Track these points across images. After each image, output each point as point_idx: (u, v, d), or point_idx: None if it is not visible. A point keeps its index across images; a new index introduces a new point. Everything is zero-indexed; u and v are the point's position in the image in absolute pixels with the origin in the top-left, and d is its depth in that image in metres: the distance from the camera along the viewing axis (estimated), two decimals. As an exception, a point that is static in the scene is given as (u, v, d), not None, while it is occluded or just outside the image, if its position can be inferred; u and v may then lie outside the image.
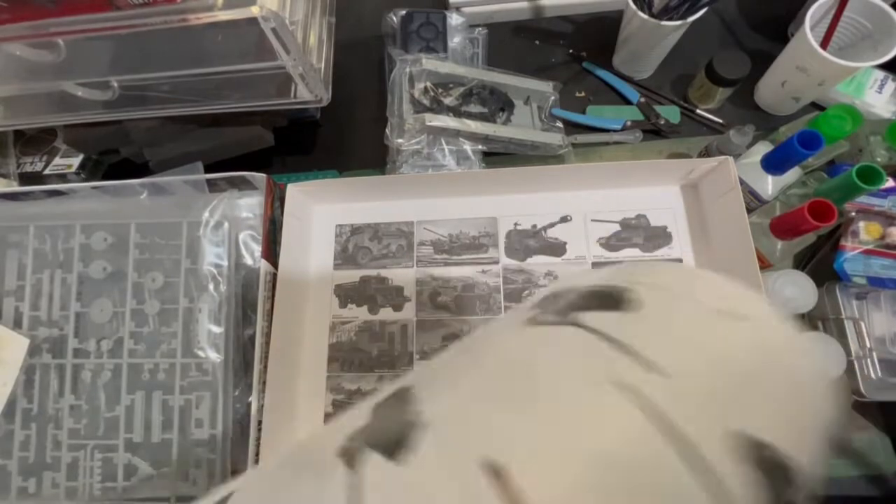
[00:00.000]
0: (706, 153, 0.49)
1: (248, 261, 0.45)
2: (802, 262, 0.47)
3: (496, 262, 0.47)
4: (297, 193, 0.46)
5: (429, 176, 0.49)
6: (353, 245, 0.49)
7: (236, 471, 0.39)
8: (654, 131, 0.54)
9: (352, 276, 0.48)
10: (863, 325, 0.41)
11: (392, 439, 0.15)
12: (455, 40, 0.55)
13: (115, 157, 0.54)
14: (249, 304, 0.43)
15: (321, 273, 0.48)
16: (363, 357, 0.45)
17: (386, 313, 0.47)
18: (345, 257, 0.49)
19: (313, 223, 0.50)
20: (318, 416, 0.44)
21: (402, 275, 0.48)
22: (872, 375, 0.40)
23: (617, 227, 0.46)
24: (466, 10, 0.57)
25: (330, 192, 0.49)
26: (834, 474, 0.42)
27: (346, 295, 0.48)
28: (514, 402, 0.15)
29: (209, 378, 0.40)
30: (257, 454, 0.39)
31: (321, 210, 0.50)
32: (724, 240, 0.42)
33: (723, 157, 0.41)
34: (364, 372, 0.45)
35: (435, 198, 0.49)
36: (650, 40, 0.50)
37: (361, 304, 0.47)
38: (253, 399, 0.40)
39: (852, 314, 0.42)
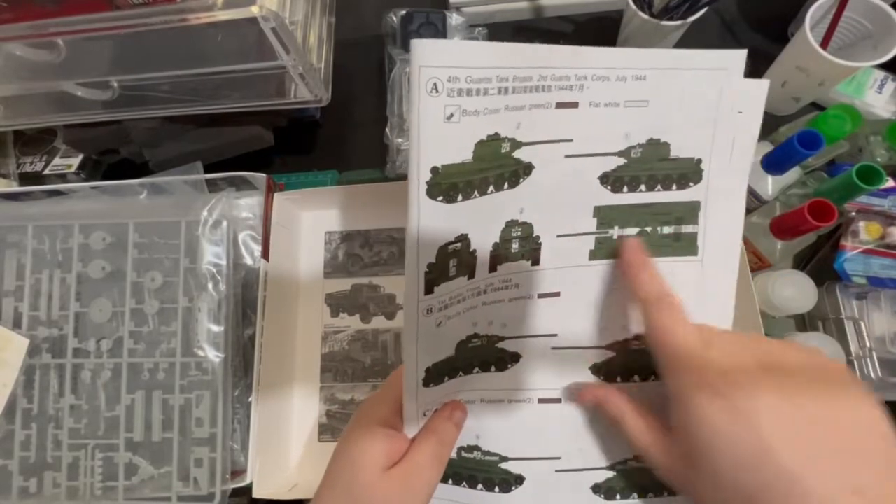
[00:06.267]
0: (706, 153, 0.48)
1: (248, 260, 0.45)
2: (802, 262, 0.47)
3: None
4: (285, 202, 0.46)
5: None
6: (343, 252, 0.48)
7: (237, 471, 0.40)
8: (654, 131, 0.54)
9: (343, 284, 0.47)
10: (863, 324, 0.41)
11: None
12: (455, 40, 0.55)
13: (115, 157, 0.54)
14: (249, 304, 0.43)
15: (311, 282, 0.48)
16: (356, 367, 0.45)
17: (378, 322, 0.46)
18: (335, 265, 0.48)
19: (302, 231, 0.49)
20: (312, 426, 0.44)
21: (395, 282, 0.47)
22: (872, 375, 0.40)
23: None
24: (466, 10, 0.57)
25: (318, 199, 0.48)
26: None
27: (338, 304, 0.47)
28: None
29: (209, 377, 0.40)
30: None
31: (310, 217, 0.50)
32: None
33: None
34: (358, 382, 0.45)
35: None
36: (650, 40, 0.50)
37: (353, 313, 0.47)
38: (253, 399, 0.40)
39: (852, 314, 0.42)
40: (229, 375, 0.40)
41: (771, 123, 0.52)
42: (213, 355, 0.40)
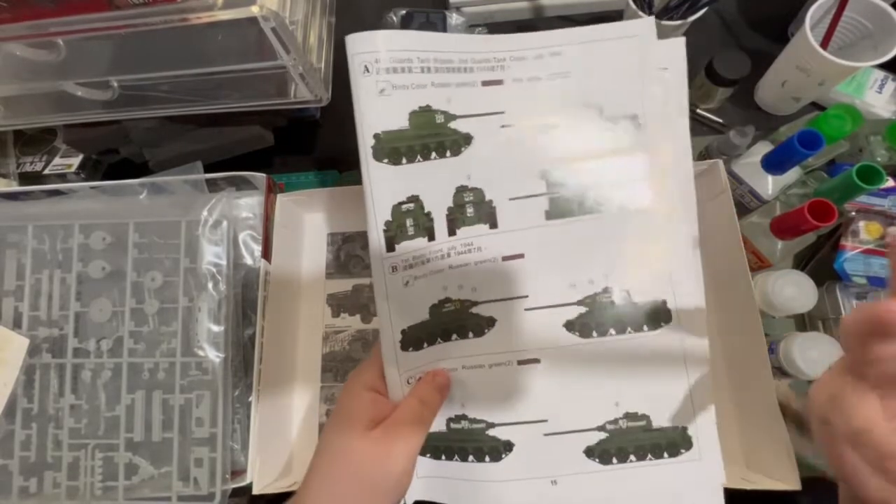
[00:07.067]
0: (706, 153, 0.49)
1: (248, 260, 0.45)
2: (802, 262, 0.47)
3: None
4: (288, 203, 0.46)
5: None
6: (345, 253, 0.49)
7: (237, 470, 0.40)
8: (654, 131, 0.54)
9: (344, 285, 0.48)
10: (862, 325, 0.41)
11: None
12: (455, 40, 0.55)
13: (115, 157, 0.54)
14: (249, 304, 0.43)
15: (313, 282, 0.48)
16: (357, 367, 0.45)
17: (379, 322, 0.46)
18: (337, 266, 0.48)
19: (305, 232, 0.50)
20: (312, 427, 0.44)
21: None
22: (872, 375, 0.40)
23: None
24: (466, 9, 0.57)
25: (321, 200, 0.48)
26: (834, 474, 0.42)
27: (339, 304, 0.47)
28: None
29: (209, 377, 0.40)
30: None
31: (312, 219, 0.50)
32: (716, 240, 0.42)
33: (713, 161, 0.41)
34: None
35: None
36: (650, 40, 0.50)
37: (354, 314, 0.47)
38: (253, 399, 0.40)
39: (852, 314, 0.42)
40: (229, 375, 0.40)
41: (771, 123, 0.52)
42: (213, 355, 0.40)
